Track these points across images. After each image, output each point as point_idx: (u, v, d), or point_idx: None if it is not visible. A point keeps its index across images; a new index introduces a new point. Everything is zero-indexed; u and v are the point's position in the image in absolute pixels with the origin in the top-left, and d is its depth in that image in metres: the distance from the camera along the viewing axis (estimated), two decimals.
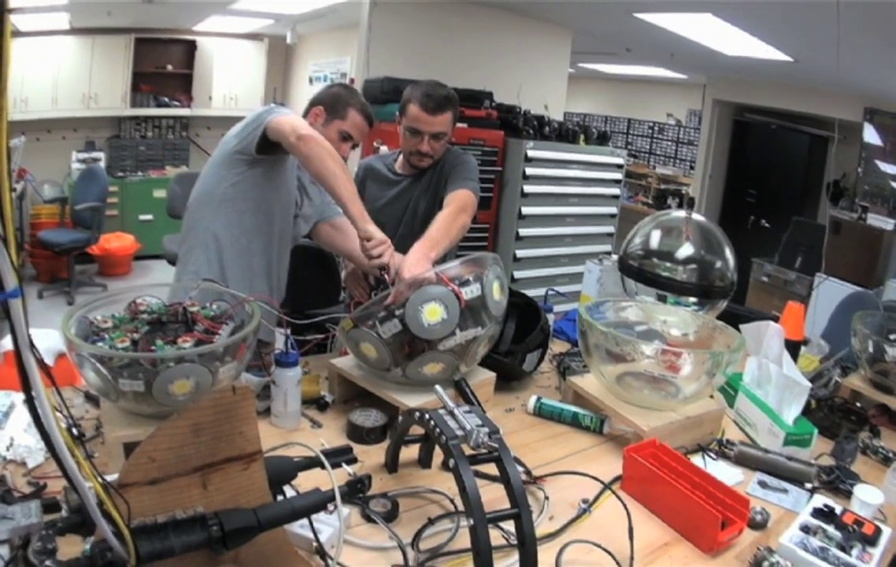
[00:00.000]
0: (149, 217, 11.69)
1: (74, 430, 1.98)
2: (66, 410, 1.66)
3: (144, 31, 11.58)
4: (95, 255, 10.65)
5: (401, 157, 3.88)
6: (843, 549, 2.11)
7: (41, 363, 1.14)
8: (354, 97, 3.51)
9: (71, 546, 1.50)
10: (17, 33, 10.01)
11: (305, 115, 3.46)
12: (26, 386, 1.12)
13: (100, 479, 1.30)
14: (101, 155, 11.49)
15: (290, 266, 3.79)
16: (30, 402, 1.13)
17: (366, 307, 2.62)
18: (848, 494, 2.47)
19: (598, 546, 2.05)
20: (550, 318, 3.58)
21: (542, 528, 2.12)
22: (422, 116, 3.56)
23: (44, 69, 10.65)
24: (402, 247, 3.48)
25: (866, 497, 2.36)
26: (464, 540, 1.93)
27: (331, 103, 3.46)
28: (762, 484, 2.55)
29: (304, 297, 3.94)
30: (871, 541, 2.15)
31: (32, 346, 1.11)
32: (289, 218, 3.51)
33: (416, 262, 2.77)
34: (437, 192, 3.74)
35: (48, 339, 3.19)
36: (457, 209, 3.38)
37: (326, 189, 3.00)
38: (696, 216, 3.75)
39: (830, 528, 2.19)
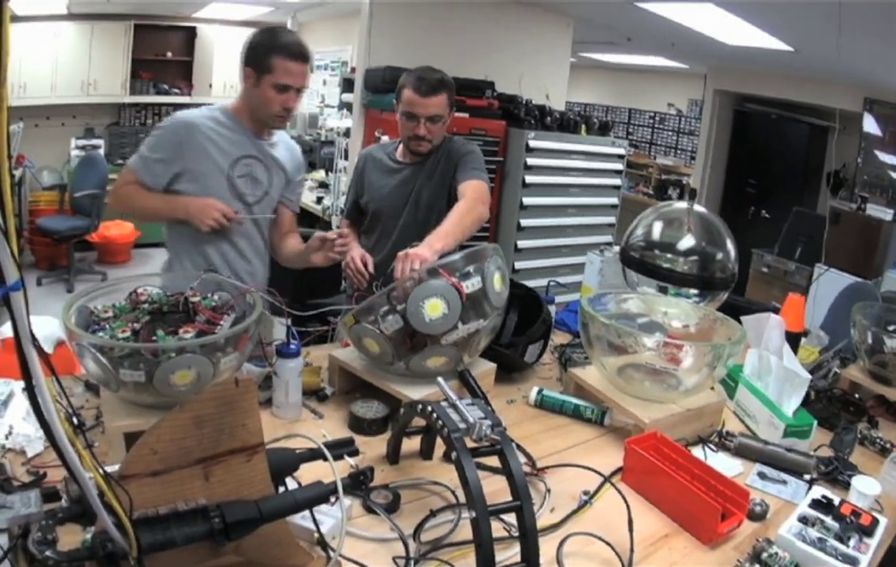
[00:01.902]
0: None
1: (74, 420, 1.97)
2: (66, 400, 1.65)
3: (144, 18, 11.56)
4: (95, 242, 10.62)
5: (401, 145, 3.88)
6: (840, 539, 2.12)
7: (42, 354, 1.14)
8: (276, 39, 3.25)
9: (70, 535, 1.49)
10: (15, 18, 9.99)
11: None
12: (27, 379, 1.11)
13: (101, 471, 1.30)
14: (100, 142, 11.47)
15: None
16: (31, 395, 1.13)
17: (368, 302, 2.61)
18: (846, 485, 2.48)
19: (599, 538, 2.05)
20: (552, 309, 3.57)
21: (543, 519, 2.12)
22: (416, 100, 3.58)
23: (42, 55, 10.62)
24: (406, 235, 3.52)
25: (864, 488, 2.37)
26: (465, 531, 1.93)
27: (254, 59, 3.27)
28: (762, 475, 2.55)
29: (305, 287, 3.94)
30: (868, 531, 2.16)
31: (34, 338, 1.11)
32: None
33: (418, 253, 2.77)
34: (443, 180, 3.74)
35: (47, 326, 3.19)
36: (473, 200, 3.42)
37: (152, 221, 3.44)
38: (698, 207, 3.75)
39: (828, 519, 2.20)
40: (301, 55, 3.24)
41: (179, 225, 3.34)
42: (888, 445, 2.90)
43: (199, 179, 3.27)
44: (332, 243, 3.34)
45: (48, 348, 3.32)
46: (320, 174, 10.19)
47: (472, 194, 3.47)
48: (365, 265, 3.42)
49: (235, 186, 3.34)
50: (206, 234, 3.29)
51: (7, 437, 2.16)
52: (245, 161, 3.37)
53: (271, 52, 3.19)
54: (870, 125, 9.40)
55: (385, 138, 5.54)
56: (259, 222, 3.52)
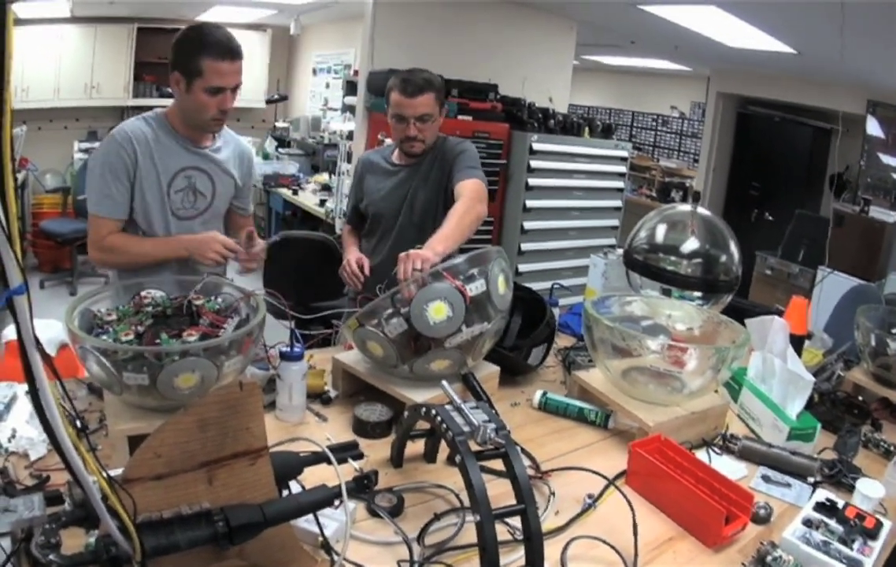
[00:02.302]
0: None
1: (78, 423, 1.97)
2: (70, 404, 1.65)
3: (147, 21, 11.57)
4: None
5: (397, 148, 3.89)
6: (844, 542, 2.12)
7: (46, 358, 1.13)
8: (202, 39, 3.05)
9: (74, 538, 1.49)
10: (19, 21, 10.00)
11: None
12: (31, 383, 1.11)
13: (105, 475, 1.30)
14: None
15: (293, 259, 3.79)
16: (35, 399, 1.12)
17: (372, 305, 2.61)
18: (850, 488, 2.47)
19: (604, 541, 2.05)
20: (556, 312, 3.57)
21: (547, 523, 2.11)
22: (403, 101, 3.58)
23: (45, 58, 10.63)
24: (402, 237, 3.54)
25: (868, 491, 2.36)
26: (469, 535, 1.92)
27: (182, 63, 3.07)
28: (766, 478, 2.55)
29: (307, 289, 3.94)
30: (872, 534, 2.16)
31: (38, 343, 1.11)
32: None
33: (420, 253, 2.76)
34: (438, 181, 3.75)
35: (50, 329, 3.19)
36: (471, 200, 3.40)
37: (154, 265, 3.17)
38: (702, 210, 3.75)
39: (832, 522, 2.20)
40: (230, 52, 3.08)
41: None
42: (892, 448, 2.90)
43: (140, 201, 3.17)
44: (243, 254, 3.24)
45: (51, 351, 3.31)
46: (323, 177, 10.22)
47: (470, 194, 3.45)
48: (361, 268, 3.42)
49: (170, 204, 3.22)
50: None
51: (10, 441, 2.16)
52: (185, 173, 3.24)
53: (199, 54, 3.02)
54: (873, 127, 9.40)
55: (388, 141, 5.54)
56: (189, 234, 3.32)
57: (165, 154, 3.17)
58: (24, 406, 2.28)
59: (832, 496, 2.32)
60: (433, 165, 3.77)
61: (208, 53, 3.01)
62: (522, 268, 7.79)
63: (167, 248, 3.16)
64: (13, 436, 2.17)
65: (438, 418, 1.94)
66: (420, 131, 3.64)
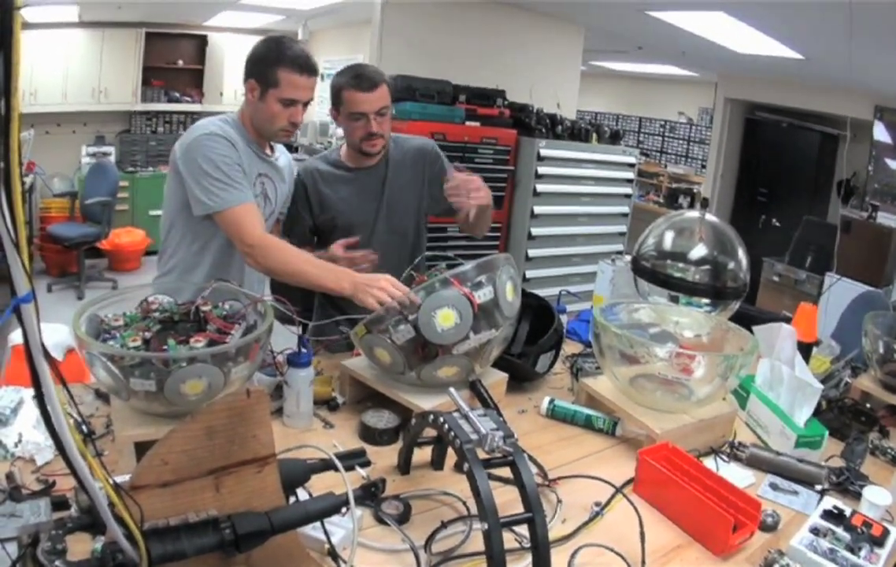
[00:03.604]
0: (159, 212, 11.57)
1: (84, 428, 1.97)
2: (76, 410, 1.65)
3: (155, 26, 11.59)
4: (105, 249, 10.63)
5: (343, 150, 3.72)
6: (851, 550, 2.11)
7: (52, 364, 1.13)
8: (281, 50, 3.09)
9: (80, 544, 1.49)
10: (27, 25, 10.03)
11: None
12: (38, 391, 1.11)
13: (111, 482, 1.30)
14: (111, 149, 11.51)
15: None
16: (42, 407, 1.12)
17: (379, 312, 2.60)
18: (857, 496, 2.46)
19: (611, 549, 2.05)
20: (563, 318, 3.57)
21: (554, 531, 2.10)
22: (360, 97, 3.43)
23: (53, 62, 10.66)
24: (382, 243, 3.46)
25: (875, 498, 2.36)
26: (477, 543, 1.92)
27: (259, 72, 3.12)
28: (773, 486, 2.54)
29: (313, 296, 3.93)
30: (879, 542, 2.16)
31: (46, 353, 1.11)
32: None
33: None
34: (419, 186, 3.73)
35: (57, 333, 3.20)
36: None
37: (305, 287, 3.04)
38: (710, 217, 3.75)
39: (839, 530, 2.20)
40: (308, 68, 3.13)
41: (183, 234, 3.27)
42: None
43: None
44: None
45: (58, 355, 3.32)
46: None
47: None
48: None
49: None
50: (207, 252, 3.23)
51: (17, 445, 2.16)
52: (260, 179, 3.28)
53: (277, 65, 3.06)
54: (880, 133, 9.39)
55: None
56: None
57: (248, 157, 3.19)
58: (30, 410, 2.28)
59: (839, 504, 2.32)
60: (404, 164, 3.70)
61: (286, 65, 3.06)
62: (530, 274, 7.79)
63: (330, 275, 2.89)
64: (20, 440, 2.17)
65: (446, 426, 1.94)
66: (380, 126, 3.49)
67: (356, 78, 3.45)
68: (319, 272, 2.93)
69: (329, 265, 2.99)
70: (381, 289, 2.66)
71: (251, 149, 3.23)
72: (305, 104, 3.20)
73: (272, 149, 3.39)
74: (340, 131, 3.59)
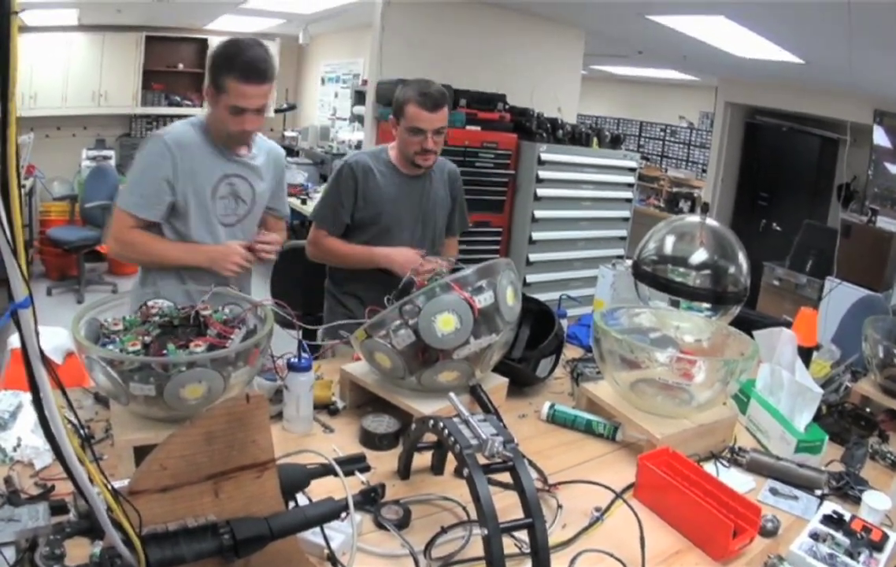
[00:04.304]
0: None
1: (83, 432, 1.97)
2: (75, 416, 1.64)
3: (155, 30, 11.60)
4: (105, 253, 10.60)
5: (393, 154, 3.83)
6: (851, 555, 2.11)
7: (50, 369, 1.13)
8: (231, 57, 3.06)
9: (79, 548, 1.49)
10: (27, 28, 10.04)
11: None
12: (36, 396, 1.11)
13: (109, 487, 1.29)
14: (111, 153, 11.48)
15: (301, 269, 3.79)
16: (40, 413, 1.12)
17: (380, 316, 2.60)
18: (857, 500, 2.46)
19: (611, 555, 2.05)
20: (564, 323, 3.56)
21: (554, 536, 2.10)
22: (423, 115, 3.56)
23: (53, 65, 10.67)
24: (420, 246, 3.58)
25: (874, 503, 2.36)
26: (476, 548, 1.92)
27: (212, 77, 3.10)
28: (773, 491, 2.54)
29: (315, 300, 3.93)
30: (878, 547, 2.15)
31: (43, 357, 1.10)
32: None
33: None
34: (448, 205, 3.97)
35: (57, 337, 3.19)
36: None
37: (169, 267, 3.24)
38: (711, 221, 3.74)
39: (839, 535, 2.19)
40: (256, 76, 3.07)
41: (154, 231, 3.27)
42: None
43: (186, 206, 3.19)
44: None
45: (58, 359, 3.32)
46: None
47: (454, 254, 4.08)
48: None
49: (216, 210, 3.26)
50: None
51: (15, 449, 2.16)
52: (228, 180, 3.27)
53: (226, 73, 3.03)
54: (880, 137, 9.39)
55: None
56: (237, 239, 3.36)
57: (209, 160, 3.21)
58: (29, 414, 2.28)
59: (839, 509, 2.31)
60: (442, 181, 3.88)
61: (233, 73, 3.02)
62: (530, 278, 7.79)
63: (188, 254, 3.20)
64: (18, 444, 2.16)
65: (446, 431, 1.94)
66: (436, 144, 3.64)
67: (423, 95, 3.55)
68: (178, 252, 3.21)
69: (184, 245, 3.20)
70: (234, 262, 3.11)
71: (218, 150, 3.24)
72: (259, 111, 3.16)
73: (249, 148, 3.39)
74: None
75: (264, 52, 3.16)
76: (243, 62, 3.04)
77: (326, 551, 1.83)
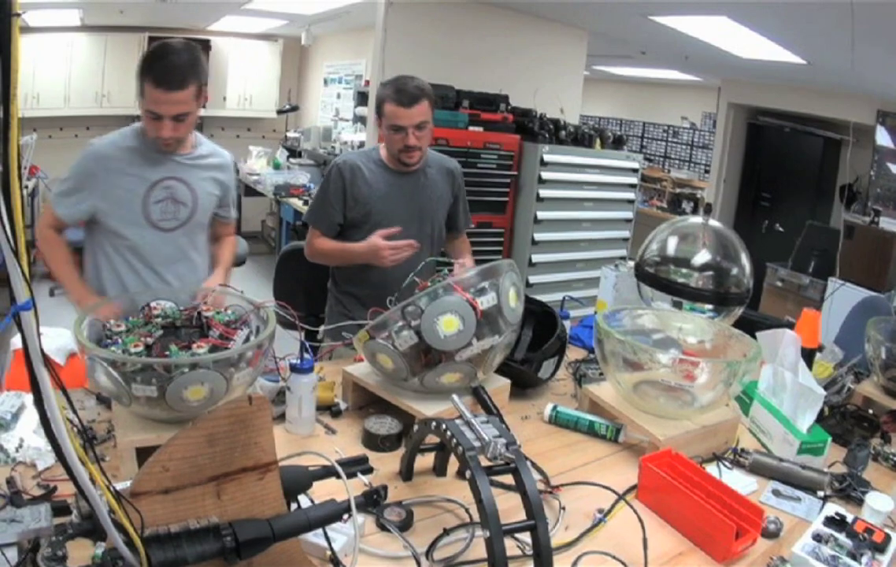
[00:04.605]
0: None
1: (86, 433, 1.96)
2: (77, 419, 1.64)
3: (158, 30, 11.57)
4: None
5: (384, 152, 3.84)
6: (853, 556, 2.11)
7: (52, 372, 1.13)
8: (150, 62, 3.02)
9: (81, 549, 1.49)
10: (29, 29, 10.04)
11: None
12: (38, 399, 1.11)
13: (112, 489, 1.29)
14: None
15: (303, 270, 3.79)
16: (42, 415, 1.12)
17: (382, 317, 2.60)
18: (860, 502, 2.46)
19: (613, 556, 2.04)
20: (567, 324, 3.56)
21: (557, 538, 2.10)
22: (399, 111, 3.56)
23: (56, 66, 10.68)
24: (419, 243, 3.52)
25: (877, 505, 2.35)
26: (479, 550, 1.91)
27: (139, 85, 3.04)
28: (776, 492, 2.54)
29: (318, 301, 3.93)
30: (881, 548, 2.15)
31: (45, 359, 1.10)
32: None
33: None
34: (445, 195, 3.94)
35: (59, 338, 3.19)
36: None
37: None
38: (713, 222, 3.74)
39: (842, 537, 2.19)
40: (169, 83, 2.98)
41: (96, 239, 3.36)
42: None
43: (114, 211, 3.22)
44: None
45: (60, 360, 3.32)
46: None
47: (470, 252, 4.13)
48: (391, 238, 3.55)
49: (149, 215, 3.25)
50: (121, 256, 3.33)
51: (18, 450, 2.16)
52: (164, 184, 3.25)
53: (143, 77, 3.00)
54: (883, 138, 9.38)
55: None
56: (181, 244, 3.41)
57: (142, 166, 3.20)
58: (31, 415, 2.28)
59: (842, 510, 2.31)
60: (438, 176, 3.88)
61: (149, 78, 2.99)
62: (533, 279, 7.78)
63: (69, 288, 3.33)
64: (20, 445, 2.16)
65: (448, 433, 1.94)
66: (418, 140, 3.63)
67: (398, 92, 3.56)
68: (64, 281, 3.33)
69: (72, 279, 3.30)
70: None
71: (154, 154, 3.24)
72: (177, 118, 3.08)
73: (192, 147, 3.37)
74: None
75: (187, 59, 3.07)
76: (159, 67, 3.00)
77: (329, 553, 1.83)
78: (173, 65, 3.01)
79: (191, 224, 3.38)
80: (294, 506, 1.76)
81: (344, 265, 3.81)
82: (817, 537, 2.18)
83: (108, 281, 3.32)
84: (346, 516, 1.75)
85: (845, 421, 3.18)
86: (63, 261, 3.26)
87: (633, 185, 8.60)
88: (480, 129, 7.30)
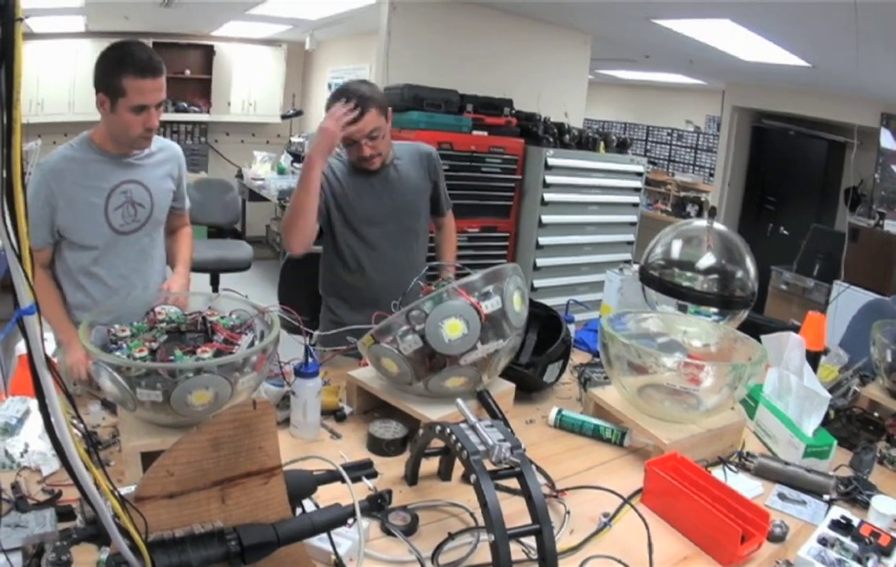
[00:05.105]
0: None
1: (90, 438, 1.97)
2: (81, 421, 1.64)
3: (162, 36, 11.59)
4: None
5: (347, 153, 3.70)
6: (859, 560, 2.11)
7: (56, 377, 1.13)
8: (122, 58, 3.03)
9: (86, 554, 1.49)
10: (32, 35, 10.05)
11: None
12: (42, 404, 1.11)
13: (116, 494, 1.29)
14: None
15: (308, 274, 3.78)
16: (46, 420, 1.12)
17: (387, 321, 2.59)
18: (865, 505, 2.45)
19: (619, 561, 2.04)
20: (571, 328, 3.56)
21: (562, 542, 2.09)
22: (346, 127, 3.40)
23: (60, 72, 10.67)
24: (394, 240, 3.69)
25: (883, 508, 2.35)
26: (484, 554, 1.91)
27: (105, 84, 3.05)
28: (781, 496, 2.53)
29: (321, 305, 3.92)
30: (887, 552, 2.15)
31: (49, 364, 1.10)
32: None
33: None
34: (422, 183, 3.86)
35: None
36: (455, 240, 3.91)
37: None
38: (718, 225, 3.74)
39: (847, 540, 2.18)
40: (151, 70, 3.05)
41: (53, 265, 3.32)
42: None
43: (76, 226, 3.19)
44: None
45: None
46: None
47: (454, 233, 4.20)
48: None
49: (111, 222, 3.24)
50: (83, 270, 3.29)
51: (23, 455, 2.16)
52: (121, 189, 3.25)
53: (121, 74, 2.99)
54: (887, 140, 9.37)
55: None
56: (143, 244, 3.42)
57: (96, 175, 3.19)
58: (36, 420, 2.28)
59: (847, 514, 2.31)
60: (414, 170, 3.80)
61: (129, 72, 2.99)
62: (538, 283, 7.79)
63: (65, 337, 3.17)
64: (25, 450, 2.17)
65: (453, 437, 1.94)
66: (374, 148, 3.50)
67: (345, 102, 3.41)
68: (53, 321, 3.18)
69: (61, 320, 3.22)
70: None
71: (106, 162, 3.23)
72: (158, 106, 3.15)
73: (142, 149, 3.34)
74: None
75: (150, 50, 3.14)
76: (137, 59, 3.02)
77: (334, 557, 1.83)
78: (147, 53, 3.07)
79: (150, 223, 3.39)
80: (299, 510, 1.76)
81: (306, 203, 3.44)
82: (823, 541, 2.18)
83: (73, 297, 3.31)
84: (350, 521, 1.75)
85: (851, 424, 3.17)
86: (51, 300, 3.22)
87: (637, 189, 8.63)
88: (484, 133, 7.32)
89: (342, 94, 3.45)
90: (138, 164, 3.31)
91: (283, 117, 12.34)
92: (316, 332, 3.33)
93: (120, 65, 3.00)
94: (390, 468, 2.46)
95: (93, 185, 3.17)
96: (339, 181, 3.62)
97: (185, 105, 12.42)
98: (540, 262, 7.82)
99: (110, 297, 3.23)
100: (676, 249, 3.76)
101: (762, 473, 2.66)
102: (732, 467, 2.69)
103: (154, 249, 3.49)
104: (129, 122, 3.08)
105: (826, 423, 2.94)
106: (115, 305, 2.78)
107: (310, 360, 2.60)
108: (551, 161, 7.59)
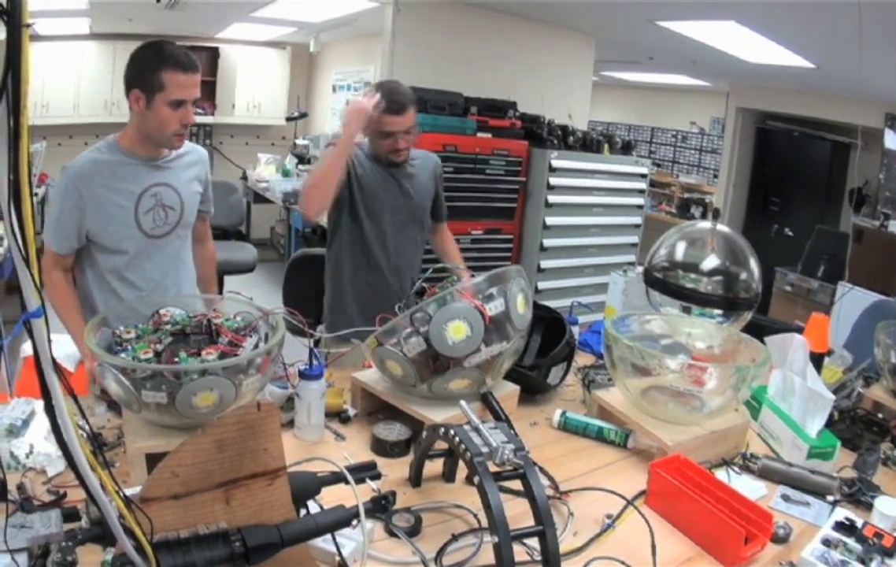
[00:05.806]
0: None
1: (95, 440, 1.97)
2: (87, 422, 1.65)
3: (167, 38, 11.55)
4: None
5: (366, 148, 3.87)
6: (862, 561, 2.11)
7: (62, 378, 1.14)
8: (161, 53, 3.04)
9: (91, 555, 1.49)
10: (37, 37, 10.05)
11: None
12: (49, 405, 1.11)
13: (121, 495, 1.30)
14: None
15: (312, 276, 3.80)
16: (53, 421, 1.12)
17: (391, 323, 2.60)
18: (869, 506, 2.45)
19: (622, 562, 2.04)
20: (575, 330, 3.56)
21: (566, 544, 2.10)
22: (391, 119, 3.62)
23: (65, 74, 10.67)
24: (405, 229, 3.87)
25: (886, 509, 2.35)
26: (487, 556, 1.91)
27: (143, 80, 3.05)
28: (785, 497, 2.53)
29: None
30: (890, 553, 2.15)
31: (56, 369, 1.11)
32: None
33: None
34: (430, 185, 4.01)
35: (70, 345, 3.19)
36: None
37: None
38: (722, 227, 3.74)
39: (851, 541, 2.19)
40: (191, 65, 3.08)
41: (85, 262, 3.30)
42: None
43: (106, 230, 3.17)
44: None
45: (71, 367, 3.33)
46: None
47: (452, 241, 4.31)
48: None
49: (142, 225, 3.22)
50: (115, 274, 3.27)
51: (28, 456, 2.16)
52: (151, 192, 3.23)
53: (160, 69, 2.99)
54: (892, 141, 9.34)
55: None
56: (175, 247, 3.41)
57: (125, 178, 3.17)
58: (42, 422, 2.29)
59: (851, 515, 2.31)
60: (426, 177, 3.98)
61: (169, 66, 3.00)
62: (542, 285, 7.78)
63: (75, 330, 3.14)
64: (31, 451, 2.17)
65: (457, 439, 1.94)
66: (407, 143, 3.73)
67: (391, 102, 3.60)
68: (73, 330, 3.13)
69: (81, 330, 3.04)
70: None
71: (135, 164, 3.22)
72: (194, 104, 3.15)
73: (170, 153, 3.34)
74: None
75: (185, 48, 3.15)
76: (176, 54, 3.04)
77: (338, 559, 1.83)
78: (184, 50, 3.08)
79: (181, 226, 3.37)
80: (303, 512, 1.76)
81: (337, 167, 3.65)
82: (826, 542, 2.18)
83: (104, 303, 3.24)
84: (354, 522, 1.76)
85: (855, 425, 3.17)
86: (71, 307, 3.18)
87: (641, 191, 8.60)
88: (489, 135, 7.30)
89: (385, 89, 3.69)
90: (167, 166, 3.29)
91: (288, 119, 12.35)
92: (320, 334, 3.34)
93: (159, 59, 3.00)
94: (394, 470, 2.46)
95: (122, 187, 3.15)
96: (364, 169, 3.77)
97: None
98: (544, 264, 7.81)
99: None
100: (680, 251, 3.76)
101: (766, 475, 2.66)
102: (736, 469, 2.69)
103: (185, 252, 3.49)
104: (166, 117, 3.06)
105: (830, 424, 2.94)
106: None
107: (314, 362, 2.60)
108: (555, 163, 7.58)
